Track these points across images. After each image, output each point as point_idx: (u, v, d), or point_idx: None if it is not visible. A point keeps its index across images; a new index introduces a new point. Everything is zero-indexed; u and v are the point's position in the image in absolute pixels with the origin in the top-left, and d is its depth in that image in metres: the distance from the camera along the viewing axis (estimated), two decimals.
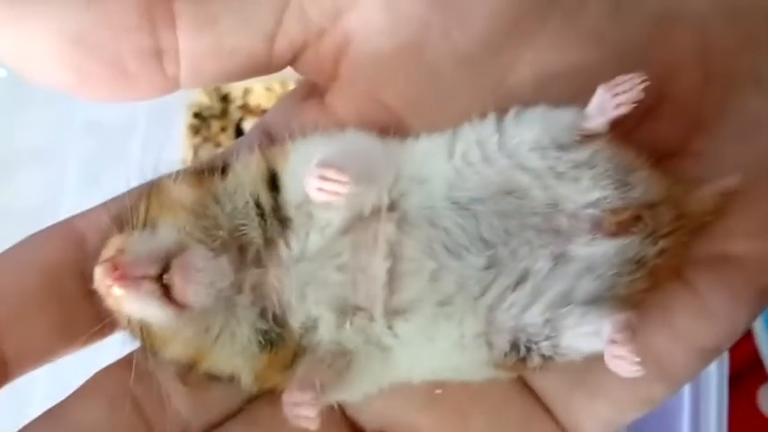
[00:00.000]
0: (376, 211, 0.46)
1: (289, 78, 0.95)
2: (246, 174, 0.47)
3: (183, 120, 0.96)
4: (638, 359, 0.42)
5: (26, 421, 0.48)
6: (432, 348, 0.47)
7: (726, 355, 0.72)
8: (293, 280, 0.46)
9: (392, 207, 0.47)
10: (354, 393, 0.48)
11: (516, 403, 0.50)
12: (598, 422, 0.51)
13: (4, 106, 0.82)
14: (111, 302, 0.44)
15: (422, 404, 0.50)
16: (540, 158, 0.46)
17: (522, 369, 0.47)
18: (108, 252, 0.44)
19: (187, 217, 0.45)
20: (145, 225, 0.45)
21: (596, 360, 0.47)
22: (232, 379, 0.48)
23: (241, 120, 0.98)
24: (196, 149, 0.94)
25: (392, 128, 0.49)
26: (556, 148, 0.46)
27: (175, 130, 0.95)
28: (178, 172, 0.48)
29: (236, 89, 0.97)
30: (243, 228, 0.46)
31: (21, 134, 0.85)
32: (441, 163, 0.47)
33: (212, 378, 0.48)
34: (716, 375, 0.69)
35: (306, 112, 0.52)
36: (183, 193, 0.46)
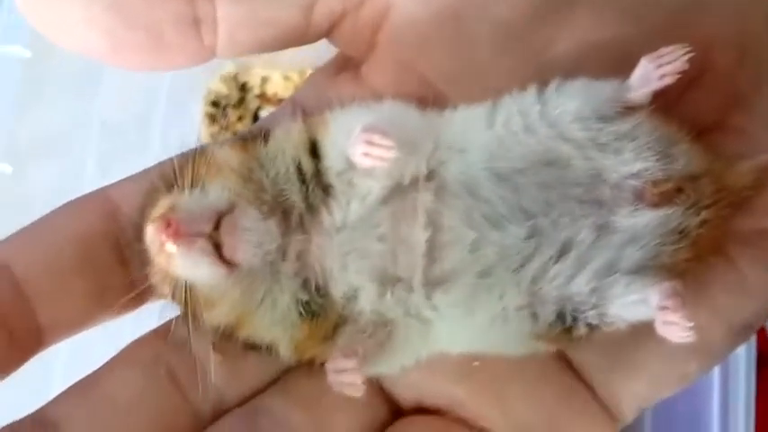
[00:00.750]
0: (415, 181, 0.46)
1: (307, 68, 0.95)
2: (288, 140, 0.47)
3: (200, 108, 0.96)
4: (690, 324, 0.41)
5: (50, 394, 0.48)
6: (471, 321, 0.46)
7: (754, 337, 0.72)
8: (335, 249, 0.45)
9: (431, 176, 0.46)
10: (393, 365, 0.48)
11: (555, 377, 0.50)
12: (635, 398, 0.50)
13: (23, 93, 0.82)
14: (161, 262, 0.44)
15: (459, 376, 0.49)
16: (582, 129, 0.46)
17: (566, 340, 0.47)
18: (159, 210, 0.44)
19: (235, 179, 0.45)
20: (193, 186, 0.44)
21: (635, 336, 0.47)
22: (270, 349, 0.48)
23: (259, 109, 0.97)
24: (213, 139, 0.94)
25: (429, 100, 0.49)
26: (598, 120, 0.46)
27: (192, 119, 0.95)
28: (221, 140, 0.48)
29: (253, 77, 0.97)
30: (286, 193, 0.46)
31: (38, 124, 0.84)
32: (481, 132, 0.47)
33: (250, 348, 0.48)
34: (744, 356, 0.69)
35: (340, 86, 0.52)
36: (229, 155, 0.46)
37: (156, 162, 0.50)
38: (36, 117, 0.85)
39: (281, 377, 0.50)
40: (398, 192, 0.46)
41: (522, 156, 0.46)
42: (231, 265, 0.44)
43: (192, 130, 0.94)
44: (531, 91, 0.47)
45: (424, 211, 0.46)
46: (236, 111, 0.97)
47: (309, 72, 0.95)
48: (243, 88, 0.97)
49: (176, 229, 0.42)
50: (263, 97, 0.98)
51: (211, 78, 0.96)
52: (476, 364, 0.49)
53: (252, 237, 0.44)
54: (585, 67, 0.48)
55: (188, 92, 0.96)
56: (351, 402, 0.48)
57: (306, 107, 0.52)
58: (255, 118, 0.97)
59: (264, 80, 0.97)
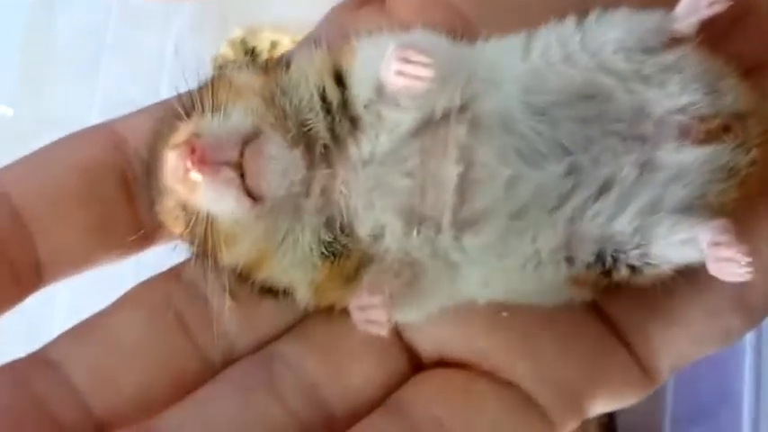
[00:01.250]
0: (446, 114, 0.43)
1: None
2: (311, 66, 0.44)
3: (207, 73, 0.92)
4: (749, 259, 0.38)
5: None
6: (501, 266, 0.43)
7: None
8: (361, 184, 0.42)
9: (463, 109, 0.43)
10: (417, 312, 0.44)
11: (589, 330, 0.47)
12: (674, 354, 0.47)
13: (26, 78, 0.79)
14: (181, 193, 0.40)
15: (487, 328, 0.46)
16: (625, 60, 0.43)
17: (604, 284, 0.44)
18: (181, 135, 0.40)
19: (258, 102, 0.42)
20: (215, 110, 0.41)
21: (674, 290, 0.44)
22: (287, 293, 0.44)
23: None
24: None
25: (459, 31, 0.46)
26: (642, 51, 0.43)
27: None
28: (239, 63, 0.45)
29: (262, 42, 0.94)
30: (309, 122, 0.42)
31: (43, 105, 0.82)
32: (516, 62, 0.44)
33: (266, 292, 0.44)
34: None
35: (364, 19, 0.49)
36: (251, 78, 0.43)
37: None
38: (42, 97, 0.82)
39: (296, 325, 0.47)
40: (428, 125, 0.43)
41: (560, 88, 0.43)
42: (255, 198, 0.40)
43: None
44: (570, 20, 0.44)
45: (455, 145, 0.42)
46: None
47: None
48: (251, 54, 0.94)
49: (202, 155, 0.39)
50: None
51: (218, 42, 0.93)
52: (504, 314, 0.46)
53: (278, 165, 0.40)
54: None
55: (195, 57, 0.92)
56: (369, 351, 0.46)
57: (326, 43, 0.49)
58: None
59: (274, 45, 0.94)
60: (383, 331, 0.40)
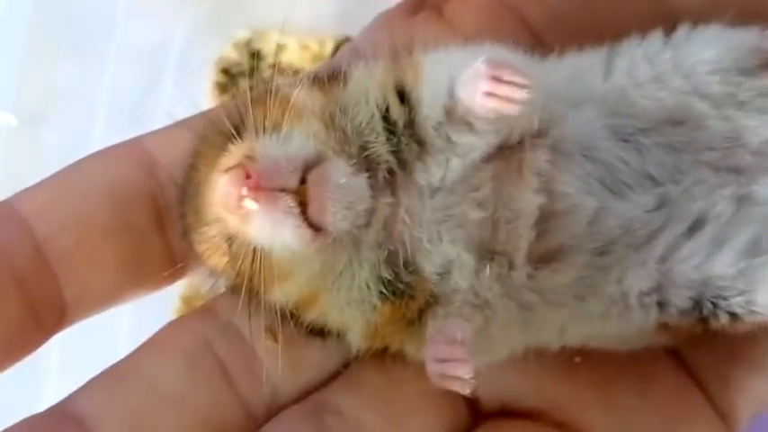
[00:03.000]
0: (522, 139, 0.39)
1: (327, 37, 0.87)
2: (370, 82, 0.39)
3: (210, 76, 0.87)
4: None
5: None
6: (582, 309, 0.39)
7: None
8: (427, 215, 0.38)
9: (540, 134, 0.39)
10: (486, 358, 0.40)
11: (667, 376, 0.43)
12: (754, 401, 0.44)
13: (32, 58, 0.73)
14: (231, 221, 0.35)
15: (557, 375, 0.42)
16: (721, 83, 0.39)
17: (699, 331, 0.39)
18: (232, 158, 0.35)
19: (318, 125, 0.37)
20: (271, 131, 0.36)
21: (755, 334, 0.40)
22: (336, 335, 0.40)
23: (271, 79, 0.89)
24: None
25: (527, 44, 0.41)
26: (737, 72, 0.40)
27: (202, 87, 0.87)
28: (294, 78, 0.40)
29: (268, 44, 0.89)
30: (371, 145, 0.37)
31: (47, 89, 0.76)
32: (597, 81, 0.40)
33: (313, 333, 0.40)
34: None
35: (419, 28, 0.45)
36: (310, 97, 0.38)
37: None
38: (46, 80, 0.76)
39: (344, 369, 0.42)
40: (501, 150, 0.39)
41: (646, 112, 0.39)
42: (316, 229, 0.35)
43: (199, 98, 0.85)
44: (656, 36, 0.40)
45: (533, 173, 0.38)
46: (248, 80, 0.89)
47: (329, 41, 0.88)
48: (256, 56, 0.89)
49: (257, 181, 0.34)
50: (277, 67, 0.89)
51: (224, 45, 0.88)
52: (577, 359, 0.42)
53: (344, 195, 0.35)
54: (715, 14, 0.41)
55: (198, 59, 0.87)
56: (428, 401, 0.41)
57: (369, 53, 0.44)
58: None
59: (280, 48, 0.89)
60: (465, 390, 0.35)
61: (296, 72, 0.89)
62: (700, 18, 0.41)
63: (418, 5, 0.46)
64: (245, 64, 0.89)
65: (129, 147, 0.41)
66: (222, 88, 0.88)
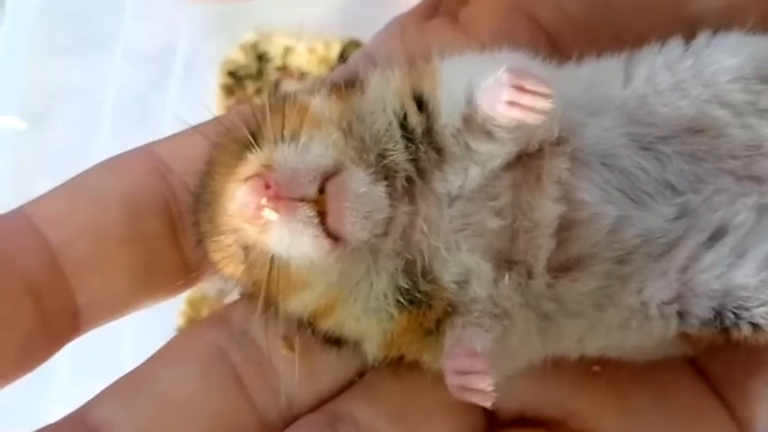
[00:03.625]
0: (541, 147, 0.38)
1: (334, 40, 0.87)
2: (388, 89, 0.38)
3: (216, 78, 0.87)
4: None
5: None
6: (601, 318, 0.39)
7: None
8: (446, 223, 0.37)
9: (559, 142, 0.39)
10: (506, 367, 0.39)
11: (685, 385, 0.43)
12: None
13: (39, 59, 0.73)
14: (249, 230, 0.35)
15: (575, 383, 0.42)
16: (742, 91, 0.39)
17: (720, 342, 0.39)
18: (251, 167, 0.35)
19: (337, 133, 0.36)
20: (289, 139, 0.36)
21: None
22: (352, 344, 0.39)
23: (278, 82, 0.89)
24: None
25: (544, 50, 0.41)
26: (758, 80, 0.39)
27: (208, 89, 0.86)
28: (311, 85, 0.39)
29: (275, 47, 0.88)
30: (389, 153, 0.37)
31: (53, 89, 0.76)
32: (616, 88, 0.40)
33: (329, 342, 0.39)
34: None
35: (434, 33, 0.45)
36: (327, 106, 0.37)
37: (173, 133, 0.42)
38: (50, 74, 0.76)
39: (359, 379, 0.42)
40: (519, 158, 0.38)
41: (666, 120, 0.39)
42: (336, 239, 0.35)
43: (205, 100, 0.85)
44: (677, 43, 0.40)
45: (553, 181, 0.38)
46: (255, 83, 0.88)
47: (335, 43, 0.87)
48: (262, 58, 0.88)
49: (277, 191, 0.34)
50: (284, 69, 0.89)
51: (230, 46, 0.87)
52: (596, 368, 0.41)
53: (363, 204, 0.35)
54: (735, 20, 0.41)
55: (205, 60, 0.87)
56: (445, 411, 0.41)
57: (382, 58, 0.44)
58: None
59: (287, 51, 0.88)
60: (487, 402, 0.35)
61: (302, 75, 0.89)
62: (719, 23, 0.41)
63: (432, 10, 0.46)
64: (251, 66, 0.89)
65: (141, 153, 0.41)
66: (228, 90, 0.88)
